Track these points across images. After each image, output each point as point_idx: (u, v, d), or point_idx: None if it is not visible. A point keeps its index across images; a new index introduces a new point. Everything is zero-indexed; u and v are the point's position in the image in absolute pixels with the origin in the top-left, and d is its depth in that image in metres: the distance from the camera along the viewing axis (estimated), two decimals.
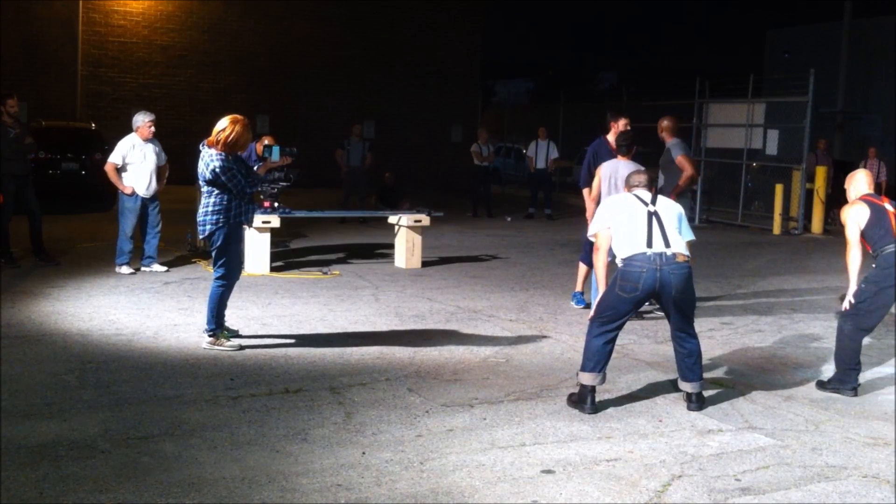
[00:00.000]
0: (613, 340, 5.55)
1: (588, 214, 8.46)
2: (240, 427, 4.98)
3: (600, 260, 5.79)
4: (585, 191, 8.71)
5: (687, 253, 5.54)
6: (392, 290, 9.37)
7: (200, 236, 6.83)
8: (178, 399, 5.43)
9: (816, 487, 4.43)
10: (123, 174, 9.73)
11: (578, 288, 8.85)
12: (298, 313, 8.05)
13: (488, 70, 35.96)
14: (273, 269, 10.16)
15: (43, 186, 12.15)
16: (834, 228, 16.85)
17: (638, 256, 5.42)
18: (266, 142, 10.99)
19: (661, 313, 7.25)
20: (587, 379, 5.47)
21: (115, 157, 9.73)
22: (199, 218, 6.65)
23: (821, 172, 17.24)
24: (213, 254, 6.74)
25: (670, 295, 5.42)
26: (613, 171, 8.04)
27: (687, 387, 5.62)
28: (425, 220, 11.06)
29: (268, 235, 10.09)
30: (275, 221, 10.09)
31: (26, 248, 10.20)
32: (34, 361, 6.16)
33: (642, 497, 4.24)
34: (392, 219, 11.29)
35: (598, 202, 7.92)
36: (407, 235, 10.98)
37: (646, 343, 7.39)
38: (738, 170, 18.87)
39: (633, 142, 8.23)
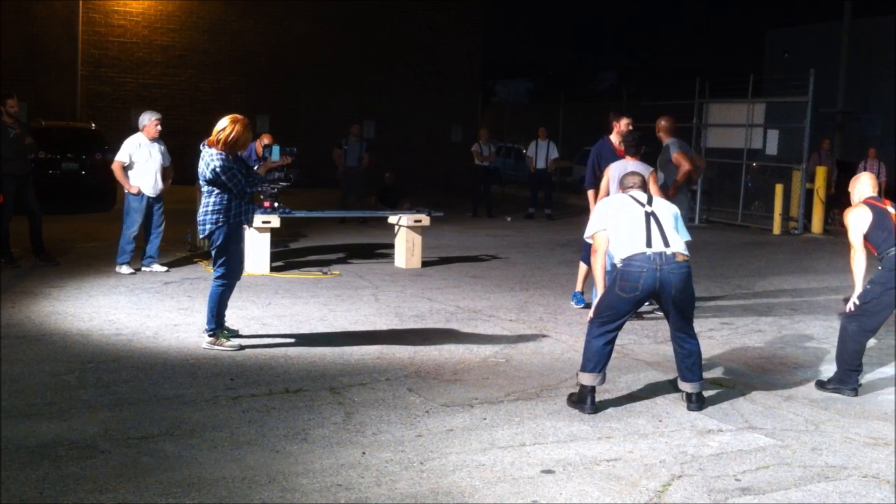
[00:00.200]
0: (613, 341, 5.56)
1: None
2: (240, 427, 4.98)
3: (598, 261, 5.80)
4: (590, 192, 8.69)
5: (686, 252, 5.54)
6: (392, 290, 9.37)
7: (200, 236, 6.83)
8: (178, 399, 5.43)
9: (816, 487, 4.43)
10: (129, 173, 9.72)
11: (578, 288, 8.85)
12: (298, 313, 8.05)
13: (488, 70, 35.97)
14: (273, 269, 10.16)
15: (43, 186, 12.14)
16: (834, 228, 16.86)
17: (638, 256, 5.42)
18: (265, 140, 11.00)
19: (660, 313, 7.24)
20: (587, 379, 5.47)
21: (122, 156, 9.72)
22: (200, 217, 6.65)
23: (821, 172, 17.24)
24: (213, 253, 6.74)
25: (670, 295, 5.42)
26: (622, 172, 7.98)
27: (687, 387, 5.63)
28: (425, 220, 11.06)
29: (268, 235, 10.09)
30: (275, 221, 10.09)
31: (26, 248, 10.20)
32: (34, 361, 6.16)
33: (642, 497, 4.24)
34: (392, 219, 11.29)
35: None
36: (407, 235, 10.98)
37: (646, 343, 7.39)
38: (738, 170, 18.87)
39: (641, 142, 8.21)
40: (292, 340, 7.02)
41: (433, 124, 27.09)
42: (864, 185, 6.26)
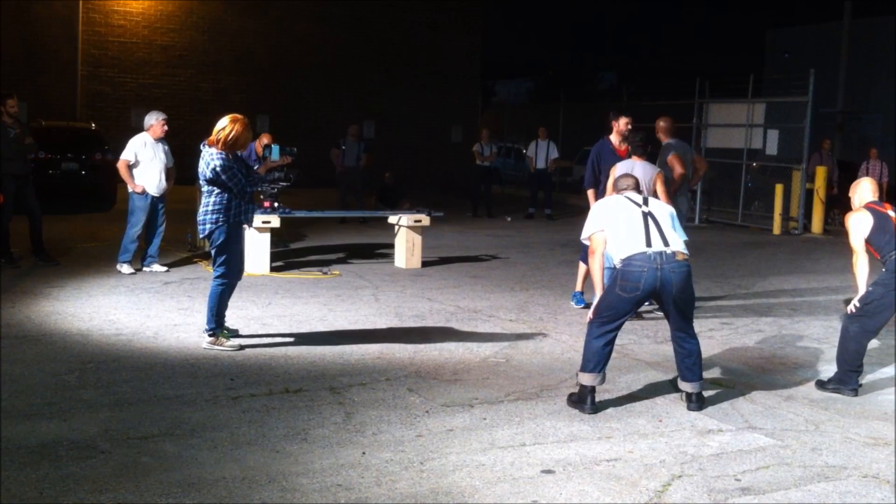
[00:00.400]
0: (613, 341, 5.55)
1: None
2: (240, 427, 4.98)
3: (596, 262, 5.80)
4: (590, 192, 8.69)
5: (686, 251, 5.55)
6: (392, 290, 9.37)
7: (200, 236, 6.83)
8: (178, 399, 5.43)
9: (816, 487, 4.43)
10: (134, 172, 9.71)
11: (578, 288, 8.85)
12: (298, 313, 8.05)
13: (488, 70, 35.98)
14: (273, 269, 10.16)
15: (43, 186, 12.14)
16: (834, 228, 16.86)
17: (638, 256, 5.42)
18: (265, 140, 11.00)
19: (660, 313, 7.24)
20: (587, 379, 5.47)
21: (127, 154, 9.71)
22: (199, 217, 6.66)
23: (821, 172, 17.24)
24: (213, 253, 6.74)
25: (671, 294, 5.42)
26: (628, 171, 7.99)
27: (687, 387, 5.63)
28: (425, 220, 11.06)
29: (268, 235, 10.09)
30: (275, 221, 10.09)
31: (26, 248, 10.20)
32: (34, 361, 6.16)
33: (642, 497, 4.24)
34: (392, 219, 11.29)
35: None
36: (407, 235, 10.98)
37: (646, 343, 7.39)
38: (738, 170, 18.87)
39: (647, 142, 8.20)
40: (292, 340, 7.02)
41: (433, 124, 27.09)
42: (864, 191, 6.28)
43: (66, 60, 22.82)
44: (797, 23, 34.84)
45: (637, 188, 5.98)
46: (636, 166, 7.95)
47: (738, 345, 7.51)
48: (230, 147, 6.56)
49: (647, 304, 6.80)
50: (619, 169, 8.07)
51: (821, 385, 6.19)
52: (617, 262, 5.57)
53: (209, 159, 6.52)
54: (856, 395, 6.03)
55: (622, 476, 4.47)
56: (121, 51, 23.46)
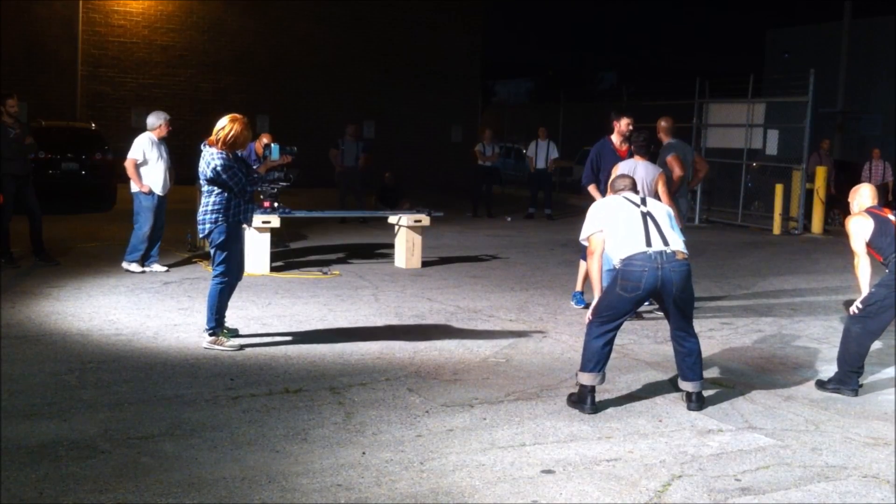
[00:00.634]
0: (612, 341, 5.56)
1: None
2: (240, 427, 4.98)
3: (595, 263, 5.80)
4: (591, 187, 8.68)
5: (685, 251, 5.55)
6: (392, 290, 9.37)
7: (200, 235, 6.83)
8: (178, 399, 5.43)
9: (816, 487, 4.43)
10: (141, 171, 9.71)
11: (578, 287, 8.85)
12: (298, 313, 8.05)
13: (488, 70, 35.98)
14: (273, 269, 10.16)
15: (43, 186, 12.13)
16: (834, 229, 16.86)
17: (638, 256, 5.42)
18: (265, 140, 11.00)
19: (660, 313, 7.24)
20: (587, 379, 5.47)
21: (135, 153, 9.70)
22: (199, 217, 6.66)
23: (821, 172, 17.24)
24: (213, 252, 6.74)
25: (671, 293, 5.43)
26: (630, 172, 7.98)
27: (687, 386, 5.63)
28: (425, 220, 11.06)
29: (268, 235, 10.09)
30: (275, 221, 10.09)
31: (26, 248, 10.20)
32: (34, 361, 6.16)
33: (642, 497, 4.24)
34: (392, 219, 11.29)
35: None
36: (407, 235, 10.98)
37: (646, 343, 7.39)
38: (738, 170, 18.87)
39: (650, 142, 8.20)
40: (292, 340, 7.02)
41: (433, 124, 27.09)
42: (863, 197, 6.30)
43: (66, 60, 22.82)
44: (797, 23, 34.83)
45: (634, 188, 6.00)
46: (638, 166, 7.94)
47: (738, 345, 7.51)
48: (230, 147, 6.58)
49: (646, 304, 6.80)
50: (621, 169, 8.06)
51: (821, 385, 6.20)
52: (617, 263, 5.57)
53: (209, 159, 6.53)
54: (856, 395, 6.03)
55: (622, 476, 4.47)
56: (121, 51, 23.46)
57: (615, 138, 8.75)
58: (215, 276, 6.71)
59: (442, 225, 14.18)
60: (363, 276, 10.23)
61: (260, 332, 7.26)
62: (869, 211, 6.19)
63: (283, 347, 6.78)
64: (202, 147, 6.67)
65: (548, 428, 5.16)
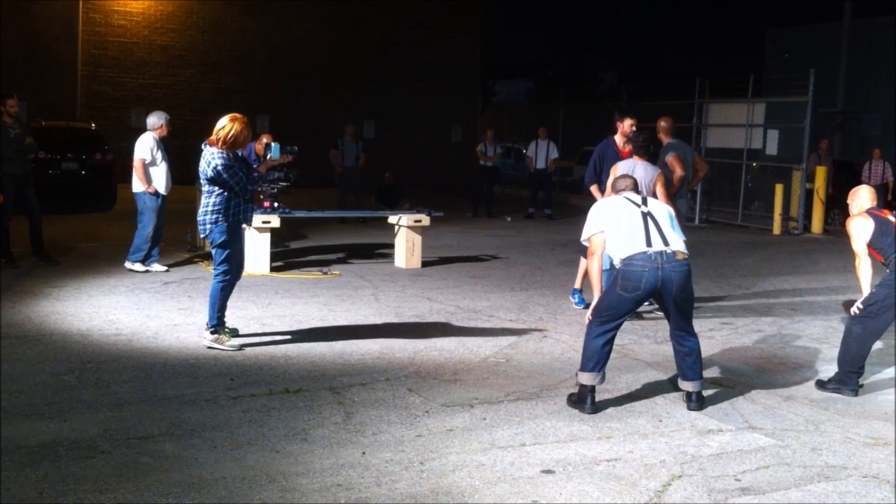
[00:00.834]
0: (612, 340, 5.56)
1: None
2: (240, 427, 4.98)
3: (594, 264, 5.81)
4: (593, 188, 8.68)
5: (685, 251, 5.55)
6: (392, 290, 9.37)
7: (201, 235, 6.84)
8: (178, 399, 5.43)
9: (816, 487, 4.43)
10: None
11: (577, 285, 8.83)
12: (298, 313, 8.04)
13: (488, 70, 35.95)
14: (273, 269, 10.16)
15: (43, 186, 12.14)
16: (834, 229, 16.86)
17: (639, 256, 5.43)
18: (265, 140, 11.00)
19: (660, 313, 7.24)
20: (587, 379, 5.47)
21: (144, 153, 9.69)
22: (200, 218, 6.67)
23: (821, 172, 17.24)
24: (214, 251, 6.75)
25: (671, 293, 5.43)
26: (629, 172, 7.98)
27: (687, 386, 5.63)
28: (425, 220, 11.06)
29: (268, 235, 10.09)
30: (275, 221, 10.09)
31: (26, 248, 10.20)
32: (34, 361, 6.16)
33: (642, 497, 4.24)
34: (392, 219, 11.29)
35: None
36: (407, 235, 10.98)
37: (646, 343, 7.39)
38: (738, 170, 18.87)
39: (650, 142, 8.20)
40: (292, 340, 7.02)
41: (433, 124, 27.09)
42: (863, 199, 6.31)
43: (66, 60, 22.82)
44: (797, 23, 34.84)
45: (635, 188, 6.00)
46: (637, 166, 7.94)
47: (738, 345, 7.51)
48: (230, 146, 6.60)
49: (646, 303, 6.80)
50: (619, 169, 8.07)
51: (821, 385, 6.20)
52: (617, 262, 5.57)
53: (210, 158, 6.54)
54: (856, 395, 6.03)
55: (622, 476, 4.47)
56: (121, 51, 23.45)
57: (618, 139, 8.74)
58: (217, 275, 6.72)
59: (442, 225, 14.18)
60: (363, 276, 10.23)
61: (260, 331, 7.26)
62: (869, 212, 6.20)
63: (283, 347, 6.78)
64: (203, 147, 6.68)
65: (548, 428, 5.16)
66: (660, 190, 7.93)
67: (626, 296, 5.44)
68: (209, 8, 24.29)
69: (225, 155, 6.55)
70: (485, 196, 18.24)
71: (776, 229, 17.07)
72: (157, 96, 23.16)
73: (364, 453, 4.64)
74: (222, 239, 6.63)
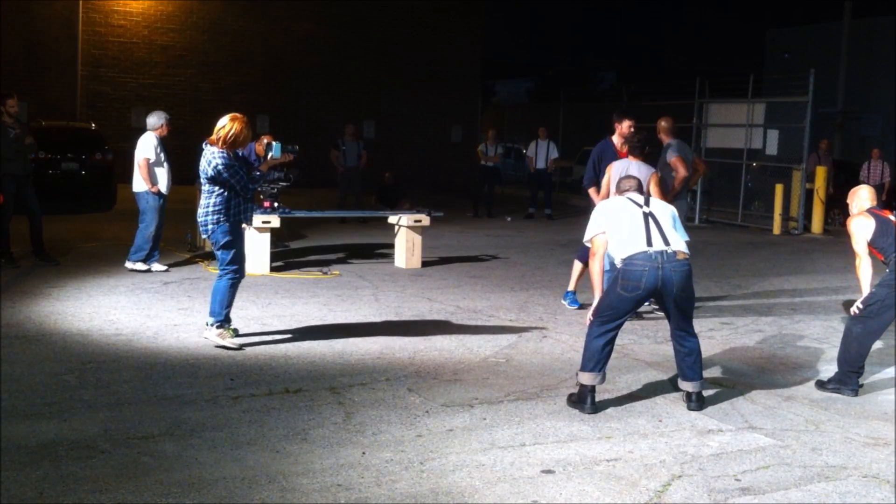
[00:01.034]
0: (613, 340, 5.56)
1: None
2: (240, 427, 4.98)
3: (596, 264, 5.82)
4: (591, 190, 8.69)
5: (686, 251, 5.56)
6: (392, 290, 9.37)
7: (203, 235, 6.85)
8: (178, 399, 5.43)
9: (816, 487, 4.43)
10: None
11: (572, 287, 8.82)
12: (298, 313, 8.04)
13: (488, 70, 35.94)
14: (273, 269, 10.16)
15: (43, 186, 12.13)
16: (834, 229, 16.86)
17: (639, 255, 5.43)
18: (265, 140, 10.99)
19: (660, 313, 7.24)
20: (587, 379, 5.47)
21: (148, 152, 9.70)
22: (201, 218, 6.68)
23: (821, 172, 17.24)
24: (220, 251, 6.75)
25: (672, 293, 5.43)
26: (623, 171, 7.97)
27: (687, 386, 5.63)
28: (425, 220, 11.06)
29: (268, 235, 10.08)
30: (275, 221, 10.09)
31: (26, 248, 10.19)
32: (34, 361, 6.16)
33: (642, 497, 4.24)
34: (392, 219, 11.29)
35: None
36: (407, 235, 10.98)
37: (646, 343, 7.39)
38: (738, 170, 18.87)
39: (645, 143, 8.20)
40: (292, 340, 7.02)
41: (433, 124, 27.09)
42: (862, 198, 6.31)
43: (66, 60, 22.81)
44: (797, 23, 34.84)
45: (640, 189, 6.02)
46: (631, 166, 7.96)
47: (738, 345, 7.51)
48: (231, 145, 6.62)
49: (647, 304, 6.80)
50: (614, 168, 8.11)
51: (821, 385, 6.20)
52: (618, 262, 5.58)
53: (211, 158, 6.55)
54: (856, 395, 6.03)
55: (622, 476, 4.47)
56: (121, 51, 23.44)
57: (616, 139, 8.75)
58: (226, 273, 6.75)
59: (442, 225, 14.18)
60: (363, 276, 10.23)
61: (260, 331, 7.26)
62: (870, 211, 6.20)
63: (283, 347, 6.78)
64: (203, 146, 6.69)
65: (548, 428, 5.16)
66: (654, 190, 7.93)
67: (627, 295, 5.44)
68: (209, 8, 24.29)
69: (225, 154, 6.57)
70: (486, 196, 18.24)
71: (776, 229, 17.07)
72: (157, 96, 23.14)
73: (364, 453, 4.64)
74: (226, 239, 6.66)
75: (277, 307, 8.28)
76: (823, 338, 7.84)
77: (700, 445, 4.96)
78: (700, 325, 6.99)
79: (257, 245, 9.97)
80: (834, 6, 27.66)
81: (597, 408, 5.47)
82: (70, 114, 22.17)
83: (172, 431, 4.87)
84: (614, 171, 8.11)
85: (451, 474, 4.41)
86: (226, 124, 6.63)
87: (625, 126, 8.68)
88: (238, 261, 6.77)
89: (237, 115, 6.73)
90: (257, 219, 9.69)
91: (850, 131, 28.23)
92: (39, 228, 10.10)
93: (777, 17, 40.75)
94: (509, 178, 28.08)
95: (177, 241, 11.49)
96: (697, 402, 5.59)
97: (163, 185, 9.81)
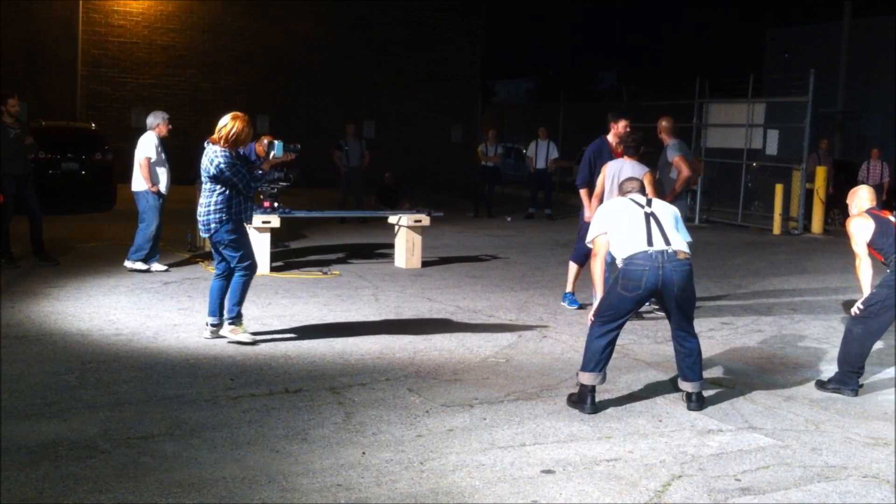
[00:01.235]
0: (614, 341, 5.56)
1: (587, 212, 8.46)
2: (240, 427, 4.98)
3: (597, 265, 5.83)
4: (583, 191, 8.71)
5: (687, 251, 5.56)
6: (392, 290, 9.37)
7: (205, 235, 6.85)
8: (178, 399, 5.43)
9: (816, 487, 4.43)
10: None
11: (569, 288, 8.82)
12: (298, 313, 8.04)
13: (488, 70, 35.94)
14: (273, 269, 10.16)
15: (43, 186, 12.13)
16: (834, 229, 16.86)
17: (640, 255, 5.43)
18: (266, 140, 10.99)
19: (661, 313, 7.24)
20: (587, 379, 5.47)
21: (149, 151, 9.70)
22: (202, 217, 6.69)
23: (821, 172, 17.25)
24: (227, 250, 6.75)
25: (672, 293, 5.43)
26: (617, 171, 8.00)
27: (687, 386, 5.63)
28: (425, 220, 11.06)
29: (268, 235, 10.08)
30: (275, 221, 10.09)
31: (26, 248, 10.20)
32: (34, 361, 6.16)
33: (642, 497, 4.24)
34: (392, 219, 11.29)
35: (601, 200, 7.94)
36: (407, 235, 10.98)
37: (646, 343, 7.39)
38: (738, 170, 18.87)
39: (641, 143, 8.20)
40: (292, 340, 7.02)
41: (433, 124, 27.09)
42: (862, 199, 6.31)
43: (66, 60, 22.81)
44: (797, 23, 34.83)
45: (642, 190, 6.02)
46: (625, 166, 7.97)
47: (738, 345, 7.51)
48: (232, 144, 6.65)
49: (647, 304, 6.80)
50: (609, 168, 8.13)
51: (821, 385, 6.20)
52: (619, 262, 5.58)
53: (212, 156, 6.57)
54: (856, 395, 6.03)
55: (622, 476, 4.47)
56: (121, 51, 23.45)
57: (612, 139, 8.74)
58: (240, 270, 6.79)
59: (442, 225, 14.18)
60: (363, 276, 10.23)
61: (260, 331, 7.25)
62: (869, 212, 6.20)
63: (282, 347, 6.78)
64: (205, 145, 6.70)
65: (548, 428, 5.16)
66: (648, 189, 7.93)
67: (627, 295, 5.44)
68: (209, 8, 24.29)
69: (227, 153, 6.59)
70: (485, 196, 18.24)
71: (776, 229, 17.07)
72: (157, 96, 23.15)
73: (364, 453, 4.64)
74: (231, 238, 6.68)
75: (277, 307, 8.28)
76: (823, 338, 7.84)
77: (700, 445, 4.96)
78: (700, 325, 6.99)
79: (257, 245, 9.95)
80: (834, 6, 27.67)
81: (597, 408, 5.47)
82: (70, 114, 22.17)
83: (172, 431, 4.87)
84: (609, 171, 8.13)
85: (451, 474, 4.41)
86: (227, 123, 6.66)
87: (621, 126, 8.68)
88: (249, 256, 6.83)
89: (238, 113, 6.76)
90: (257, 219, 9.69)
91: (850, 131, 28.23)
92: (39, 228, 10.10)
93: (777, 17, 40.76)
94: (509, 178, 28.08)
95: (177, 241, 11.49)
96: (697, 403, 5.59)
97: (163, 184, 9.82)
